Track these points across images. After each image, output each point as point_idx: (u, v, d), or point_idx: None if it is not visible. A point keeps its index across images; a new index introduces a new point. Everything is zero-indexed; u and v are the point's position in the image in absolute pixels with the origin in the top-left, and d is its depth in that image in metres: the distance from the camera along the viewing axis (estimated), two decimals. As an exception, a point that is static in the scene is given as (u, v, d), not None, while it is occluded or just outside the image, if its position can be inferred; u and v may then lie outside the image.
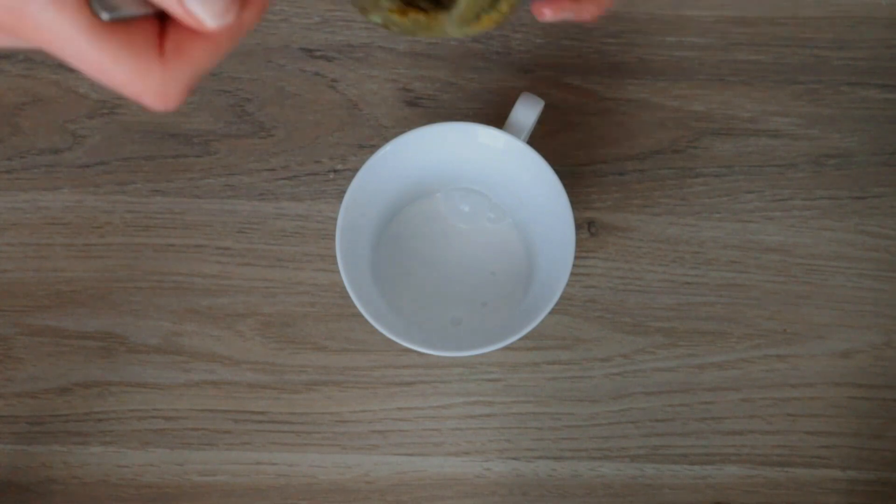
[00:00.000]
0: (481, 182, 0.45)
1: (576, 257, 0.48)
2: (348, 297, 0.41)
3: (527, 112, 0.43)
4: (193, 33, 0.25)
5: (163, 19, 0.25)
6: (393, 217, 0.46)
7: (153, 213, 0.48)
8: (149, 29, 0.24)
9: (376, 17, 0.32)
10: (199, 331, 0.47)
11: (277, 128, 0.49)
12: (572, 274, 0.48)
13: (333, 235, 0.41)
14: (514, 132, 0.42)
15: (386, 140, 0.49)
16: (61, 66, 0.49)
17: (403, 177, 0.44)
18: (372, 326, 0.41)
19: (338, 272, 0.41)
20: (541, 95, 0.49)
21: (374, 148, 0.49)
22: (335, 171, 0.49)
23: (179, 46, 0.25)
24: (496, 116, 0.48)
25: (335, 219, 0.41)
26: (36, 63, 0.49)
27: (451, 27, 0.32)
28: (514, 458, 0.46)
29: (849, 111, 0.50)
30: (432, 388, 0.47)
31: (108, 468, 0.46)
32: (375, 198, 0.43)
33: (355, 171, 0.49)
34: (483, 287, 0.45)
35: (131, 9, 0.24)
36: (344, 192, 0.42)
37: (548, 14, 0.35)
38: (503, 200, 0.46)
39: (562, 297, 0.47)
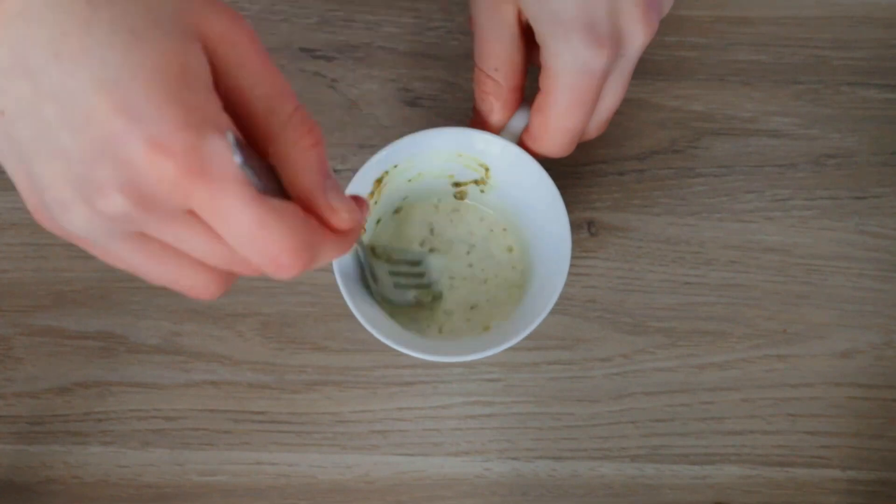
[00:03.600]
0: (476, 187, 0.45)
1: (576, 257, 0.48)
2: (348, 297, 0.41)
3: (520, 116, 0.43)
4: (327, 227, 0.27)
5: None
6: (388, 222, 0.46)
7: (153, 213, 0.48)
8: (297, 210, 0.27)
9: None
10: (199, 331, 0.47)
11: (277, 128, 0.49)
12: (572, 274, 0.48)
13: (333, 235, 0.41)
14: (509, 136, 0.42)
15: (386, 140, 0.49)
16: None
17: (398, 182, 0.44)
18: (372, 326, 0.41)
19: (338, 272, 0.41)
20: (541, 95, 0.49)
21: (374, 148, 0.49)
22: (335, 170, 0.49)
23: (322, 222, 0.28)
24: (496, 116, 0.48)
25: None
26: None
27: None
28: (514, 458, 0.46)
29: (849, 111, 0.50)
30: (432, 388, 0.47)
31: (108, 468, 0.46)
32: (370, 204, 0.43)
33: (355, 171, 0.49)
34: (480, 290, 0.45)
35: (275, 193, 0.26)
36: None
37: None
38: (500, 205, 0.46)
39: (562, 297, 0.47)
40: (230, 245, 0.26)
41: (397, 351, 0.41)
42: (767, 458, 0.46)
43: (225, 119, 0.25)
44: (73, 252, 0.48)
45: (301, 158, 0.27)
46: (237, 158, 0.24)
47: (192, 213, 0.26)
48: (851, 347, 0.47)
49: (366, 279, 0.43)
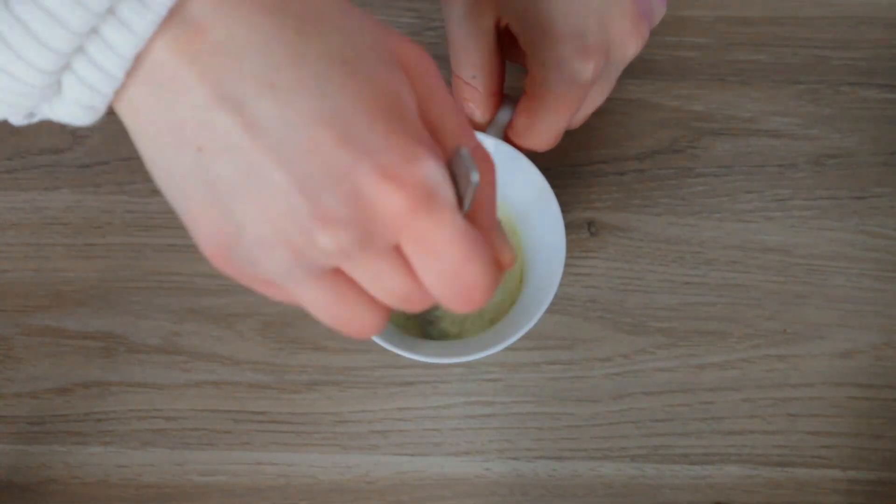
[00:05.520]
0: None
1: (576, 257, 0.48)
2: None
3: (505, 111, 0.43)
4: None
5: None
6: None
7: (153, 213, 0.48)
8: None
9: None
10: (199, 331, 0.47)
11: (277, 128, 0.49)
12: (572, 274, 0.48)
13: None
14: (495, 132, 0.42)
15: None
16: (61, 66, 0.49)
17: None
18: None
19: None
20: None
21: (374, 148, 0.49)
22: (335, 171, 0.49)
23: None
24: (496, 116, 0.48)
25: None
26: (36, 63, 0.49)
27: None
28: (514, 458, 0.46)
29: (849, 111, 0.50)
30: (432, 388, 0.47)
31: (108, 468, 0.46)
32: None
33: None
34: None
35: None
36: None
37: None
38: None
39: (562, 297, 0.47)
40: (424, 281, 0.25)
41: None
42: (767, 458, 0.46)
43: (438, 149, 0.24)
44: (73, 252, 0.48)
45: (481, 193, 0.26)
46: (474, 176, 0.24)
47: (397, 250, 0.25)
48: (851, 347, 0.47)
49: None
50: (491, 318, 0.44)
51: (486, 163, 0.27)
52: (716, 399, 0.47)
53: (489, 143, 0.42)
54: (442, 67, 0.50)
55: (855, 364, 0.47)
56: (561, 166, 0.49)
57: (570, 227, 0.48)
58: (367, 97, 0.23)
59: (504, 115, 0.43)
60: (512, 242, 0.45)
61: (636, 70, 0.50)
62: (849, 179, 0.49)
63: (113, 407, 0.47)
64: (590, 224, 0.49)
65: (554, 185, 0.48)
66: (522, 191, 0.43)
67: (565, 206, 0.48)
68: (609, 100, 0.49)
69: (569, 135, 0.49)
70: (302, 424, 0.46)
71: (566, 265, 0.41)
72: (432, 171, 0.23)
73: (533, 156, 0.49)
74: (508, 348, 0.41)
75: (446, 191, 0.24)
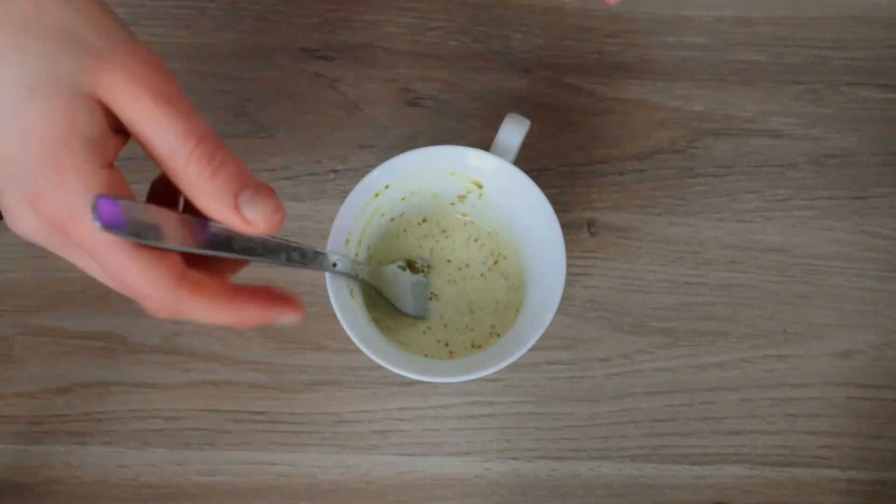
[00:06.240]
0: (471, 205, 0.45)
1: (576, 257, 0.48)
2: (348, 297, 0.41)
3: (508, 131, 0.42)
4: (207, 285, 0.29)
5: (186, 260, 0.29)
6: (381, 240, 0.45)
7: (153, 213, 0.48)
8: (175, 260, 0.28)
9: None
10: (199, 331, 0.47)
11: (277, 128, 0.49)
12: (572, 274, 0.48)
13: (333, 235, 0.41)
14: (501, 153, 0.42)
15: (386, 140, 0.49)
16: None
17: (392, 201, 0.43)
18: (372, 326, 0.41)
19: (338, 272, 0.41)
20: (541, 95, 0.49)
21: (374, 148, 0.49)
22: (335, 171, 0.49)
23: (197, 286, 0.29)
24: (495, 117, 0.48)
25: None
26: (36, 63, 0.49)
27: None
28: (514, 458, 0.46)
29: (849, 111, 0.50)
30: (432, 388, 0.47)
31: (108, 468, 0.46)
32: (363, 225, 0.42)
33: (355, 170, 0.49)
34: (476, 308, 0.45)
35: (163, 242, 0.28)
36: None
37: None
38: (494, 221, 0.45)
39: (562, 297, 0.47)
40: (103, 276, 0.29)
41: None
42: (767, 458, 0.46)
43: (99, 178, 0.27)
44: (73, 252, 0.48)
45: (206, 190, 0.28)
46: (96, 223, 0.26)
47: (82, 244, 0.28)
48: (851, 347, 0.47)
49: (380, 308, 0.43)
50: (481, 342, 0.44)
51: (204, 158, 0.29)
52: (716, 399, 0.47)
53: (492, 161, 0.42)
54: (443, 68, 0.50)
55: (855, 364, 0.47)
56: (561, 166, 0.49)
57: (570, 227, 0.48)
58: (37, 126, 0.27)
59: (506, 135, 0.42)
60: (515, 266, 0.45)
61: (636, 70, 0.50)
62: (849, 179, 0.49)
63: (113, 407, 0.47)
64: (590, 224, 0.49)
65: (554, 186, 0.49)
66: (523, 210, 0.42)
67: (565, 206, 0.48)
68: (609, 100, 0.49)
69: (569, 134, 0.49)
70: (302, 424, 0.46)
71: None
72: (74, 199, 0.27)
73: (533, 155, 0.49)
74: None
75: (83, 211, 0.27)
